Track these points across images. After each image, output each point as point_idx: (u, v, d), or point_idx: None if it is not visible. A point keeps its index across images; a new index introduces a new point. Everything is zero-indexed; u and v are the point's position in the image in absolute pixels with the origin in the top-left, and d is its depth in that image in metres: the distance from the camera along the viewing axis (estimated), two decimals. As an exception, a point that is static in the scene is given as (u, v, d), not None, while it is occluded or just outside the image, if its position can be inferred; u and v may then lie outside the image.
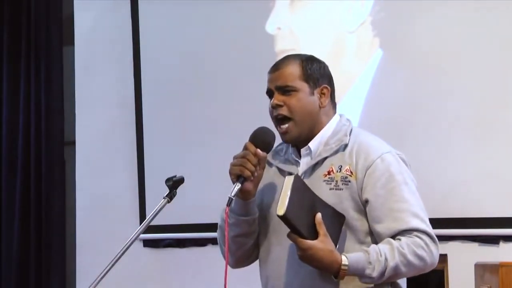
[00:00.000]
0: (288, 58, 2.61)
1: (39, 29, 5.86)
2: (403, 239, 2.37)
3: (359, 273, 2.33)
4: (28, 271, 5.73)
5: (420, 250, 2.37)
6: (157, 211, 2.73)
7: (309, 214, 2.32)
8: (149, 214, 2.76)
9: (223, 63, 5.10)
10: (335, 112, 2.60)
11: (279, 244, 2.51)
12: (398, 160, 2.49)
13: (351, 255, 2.34)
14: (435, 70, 4.46)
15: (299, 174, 2.51)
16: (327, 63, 2.64)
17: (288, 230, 2.35)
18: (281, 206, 2.26)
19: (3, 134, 5.87)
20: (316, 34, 4.80)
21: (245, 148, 2.49)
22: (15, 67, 5.89)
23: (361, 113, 4.48)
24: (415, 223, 2.39)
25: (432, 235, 2.40)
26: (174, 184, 2.80)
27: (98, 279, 2.62)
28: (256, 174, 2.46)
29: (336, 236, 2.38)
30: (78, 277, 5.57)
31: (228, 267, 2.52)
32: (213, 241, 5.07)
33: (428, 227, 2.41)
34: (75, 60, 5.71)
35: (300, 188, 2.34)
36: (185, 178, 2.84)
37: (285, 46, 4.92)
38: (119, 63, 5.52)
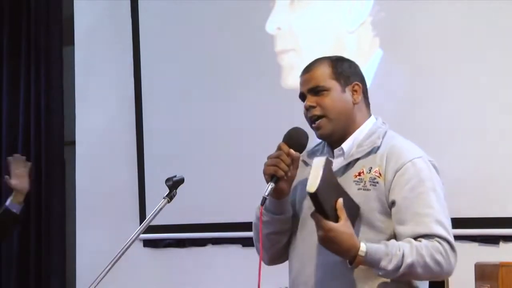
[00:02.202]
0: (317, 60, 2.62)
1: (39, 29, 5.87)
2: (424, 241, 2.39)
3: (374, 263, 2.34)
4: (28, 271, 5.73)
5: (438, 255, 2.38)
6: (157, 211, 2.74)
7: (333, 198, 2.35)
8: (149, 214, 2.76)
9: (223, 63, 5.10)
10: (369, 113, 2.63)
11: (303, 241, 2.55)
12: (429, 166, 2.51)
13: (371, 244, 2.35)
14: (435, 70, 4.45)
15: None
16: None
17: (313, 225, 2.37)
18: (313, 184, 2.29)
19: (3, 134, 5.87)
20: (316, 34, 4.80)
21: (279, 148, 2.50)
22: (15, 67, 5.90)
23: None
24: (438, 229, 2.41)
25: (452, 244, 2.42)
26: (174, 184, 2.80)
27: (98, 279, 2.62)
28: (289, 173, 2.48)
29: (352, 226, 2.39)
30: (78, 277, 5.57)
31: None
32: (213, 241, 5.08)
33: (450, 236, 2.42)
34: (75, 60, 5.71)
35: (329, 171, 2.38)
36: (185, 178, 2.84)
37: (285, 46, 4.92)
38: (119, 63, 5.52)
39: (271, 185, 2.45)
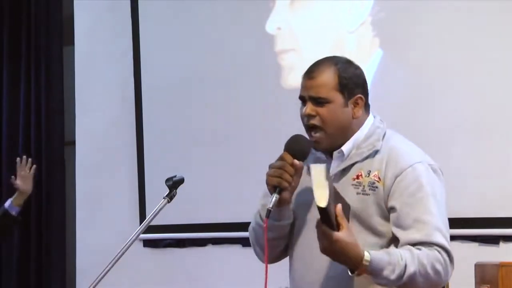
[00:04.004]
0: (323, 64, 2.51)
1: (39, 29, 5.86)
2: (424, 249, 2.36)
3: (377, 272, 2.30)
4: (28, 271, 5.73)
5: (438, 265, 2.36)
6: (157, 211, 2.74)
7: (333, 205, 2.29)
8: (149, 214, 2.76)
9: (223, 63, 5.10)
10: (368, 113, 2.56)
11: (307, 244, 2.50)
12: (429, 171, 2.47)
13: (374, 253, 2.31)
14: (435, 70, 4.45)
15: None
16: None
17: (312, 226, 2.35)
18: (322, 197, 2.20)
19: (3, 134, 5.87)
20: (316, 34, 4.80)
21: (282, 158, 2.43)
22: (15, 67, 5.89)
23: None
24: (437, 238, 2.38)
25: (450, 254, 2.40)
26: (174, 184, 2.80)
27: (98, 279, 2.62)
28: (293, 183, 2.43)
29: None
30: (78, 277, 5.57)
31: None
32: (213, 241, 5.08)
33: (449, 245, 2.40)
34: (75, 60, 5.71)
35: (330, 178, 2.31)
36: (185, 178, 2.84)
37: (285, 46, 4.92)
38: (119, 63, 5.52)
39: (275, 197, 2.39)
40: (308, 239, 2.48)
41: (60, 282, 5.72)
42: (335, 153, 2.50)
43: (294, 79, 4.89)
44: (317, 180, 2.25)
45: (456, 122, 4.39)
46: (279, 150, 2.66)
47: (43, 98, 5.80)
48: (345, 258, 2.28)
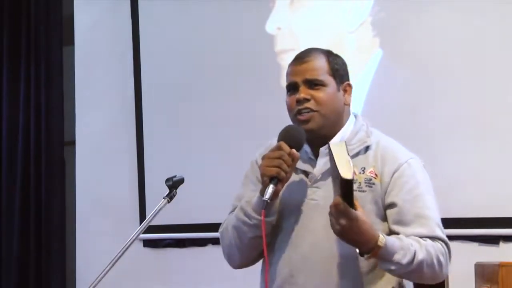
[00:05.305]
0: (313, 51, 2.51)
1: (39, 29, 5.86)
2: (429, 241, 2.37)
3: (388, 256, 2.27)
4: (28, 271, 5.73)
5: (442, 257, 2.38)
6: (157, 211, 2.74)
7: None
8: (149, 214, 2.76)
9: (223, 63, 5.10)
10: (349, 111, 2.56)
11: (293, 245, 2.45)
12: (422, 168, 2.49)
13: (388, 237, 2.29)
14: (435, 70, 4.45)
15: (316, 175, 2.45)
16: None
17: (303, 229, 2.34)
18: (347, 170, 2.15)
19: (3, 134, 5.86)
20: (316, 34, 4.80)
21: (279, 148, 2.37)
22: (15, 67, 5.89)
23: (361, 113, 4.46)
24: (439, 232, 2.40)
25: (450, 248, 2.42)
26: (174, 184, 2.81)
27: (98, 279, 2.62)
28: (288, 174, 2.37)
29: None
30: (78, 277, 5.57)
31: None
32: (213, 241, 5.07)
33: (447, 239, 2.42)
34: (75, 60, 5.71)
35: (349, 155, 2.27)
36: (185, 178, 2.84)
37: (285, 46, 4.92)
38: (119, 63, 5.52)
39: (272, 188, 2.33)
40: (296, 239, 2.44)
41: (60, 282, 5.72)
42: (322, 150, 2.46)
43: (294, 79, 4.89)
44: (339, 156, 2.21)
45: (456, 122, 4.39)
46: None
47: (43, 98, 5.80)
48: (361, 238, 2.24)
